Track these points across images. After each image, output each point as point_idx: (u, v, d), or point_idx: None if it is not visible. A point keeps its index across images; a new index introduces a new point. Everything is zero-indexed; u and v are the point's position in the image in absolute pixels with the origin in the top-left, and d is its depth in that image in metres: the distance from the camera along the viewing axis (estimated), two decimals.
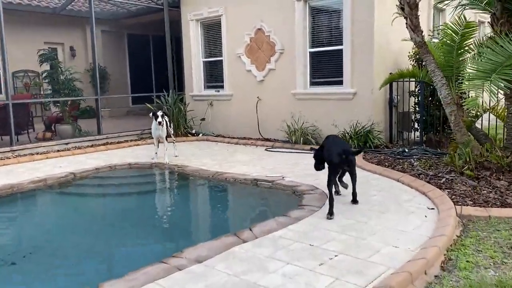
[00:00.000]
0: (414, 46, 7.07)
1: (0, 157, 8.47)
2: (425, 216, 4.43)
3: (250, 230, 4.04)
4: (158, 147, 8.11)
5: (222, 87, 10.96)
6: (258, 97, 10.08)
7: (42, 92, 14.02)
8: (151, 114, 7.80)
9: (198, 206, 6.31)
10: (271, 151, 8.77)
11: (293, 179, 6.14)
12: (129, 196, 6.32)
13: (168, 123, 8.05)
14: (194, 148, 9.44)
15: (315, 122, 9.08)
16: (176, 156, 8.17)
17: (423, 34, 6.48)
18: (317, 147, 5.31)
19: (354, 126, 8.38)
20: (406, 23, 6.50)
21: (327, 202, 4.81)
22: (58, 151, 9.25)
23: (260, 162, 7.58)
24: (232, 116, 10.73)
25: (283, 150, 8.77)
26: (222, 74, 10.88)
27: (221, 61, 10.89)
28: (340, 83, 8.82)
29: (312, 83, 9.38)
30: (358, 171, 5.24)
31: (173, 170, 7.34)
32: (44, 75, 9.85)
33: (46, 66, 9.88)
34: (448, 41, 7.11)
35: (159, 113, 7.68)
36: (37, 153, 8.90)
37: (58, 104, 10.14)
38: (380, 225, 4.22)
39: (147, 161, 7.96)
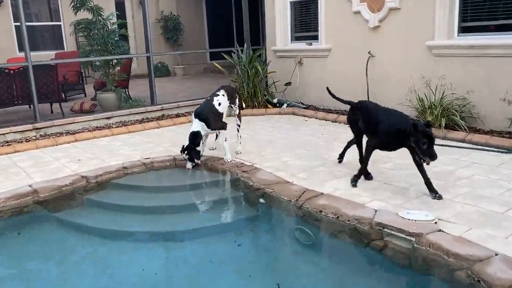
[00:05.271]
0: None
1: (19, 138, 6.38)
2: None
3: None
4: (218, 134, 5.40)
5: (316, 38, 7.78)
6: (369, 52, 6.77)
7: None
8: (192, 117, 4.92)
9: None
10: None
11: (458, 228, 3.02)
12: (135, 247, 3.53)
13: (229, 97, 5.18)
14: (273, 130, 6.55)
15: (466, 93, 5.62)
16: (238, 153, 5.19)
17: None
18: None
19: None
20: None
21: None
22: (97, 128, 6.98)
23: (378, 167, 4.48)
24: (329, 79, 7.54)
25: None
26: (317, 20, 7.66)
27: (315, 0, 7.64)
28: None
29: (463, 30, 5.83)
30: None
31: (235, 177, 4.54)
32: (80, 26, 7.44)
33: (86, 14, 7.50)
34: None
35: (193, 125, 4.82)
36: (67, 133, 6.69)
37: (98, 64, 7.75)
38: None
39: (204, 153, 5.25)
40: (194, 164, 4.84)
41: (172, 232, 3.66)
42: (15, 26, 12.15)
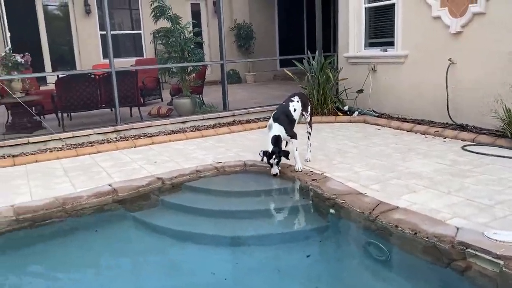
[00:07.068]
0: None
1: (101, 139, 6.82)
2: None
3: None
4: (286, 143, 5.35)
5: (391, 44, 7.52)
6: (450, 60, 6.41)
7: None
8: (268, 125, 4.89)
9: None
10: (476, 153, 5.19)
11: None
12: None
13: (302, 104, 5.14)
14: (343, 138, 6.40)
15: None
16: (307, 161, 5.14)
17: None
18: None
19: None
20: None
21: None
22: (173, 132, 7.28)
23: (459, 182, 4.20)
24: (404, 87, 7.28)
25: (498, 153, 5.11)
26: (393, 26, 7.42)
27: (392, 6, 7.41)
28: None
29: None
30: None
31: (304, 185, 4.49)
32: (159, 34, 7.82)
33: (165, 23, 7.88)
34: None
35: (273, 129, 4.74)
36: (145, 135, 7.04)
37: (175, 71, 8.08)
38: None
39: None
40: (279, 169, 4.75)
41: (243, 237, 3.70)
42: (101, 34, 13.07)
